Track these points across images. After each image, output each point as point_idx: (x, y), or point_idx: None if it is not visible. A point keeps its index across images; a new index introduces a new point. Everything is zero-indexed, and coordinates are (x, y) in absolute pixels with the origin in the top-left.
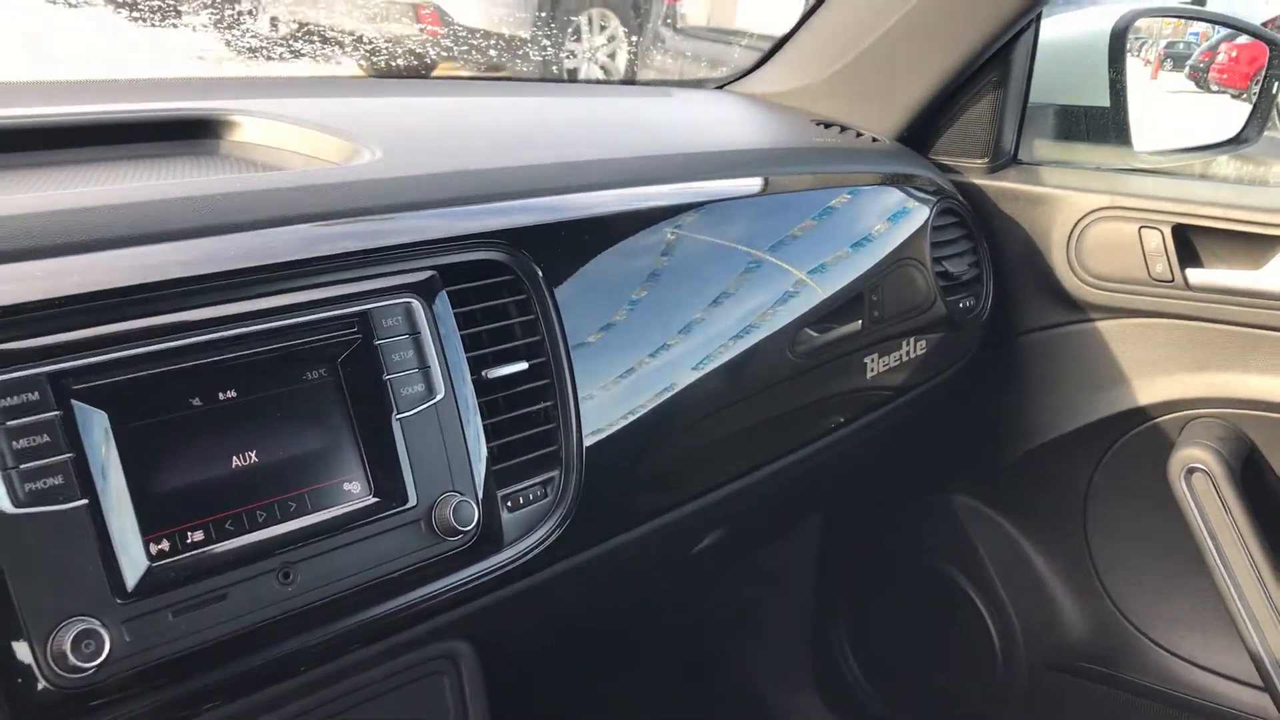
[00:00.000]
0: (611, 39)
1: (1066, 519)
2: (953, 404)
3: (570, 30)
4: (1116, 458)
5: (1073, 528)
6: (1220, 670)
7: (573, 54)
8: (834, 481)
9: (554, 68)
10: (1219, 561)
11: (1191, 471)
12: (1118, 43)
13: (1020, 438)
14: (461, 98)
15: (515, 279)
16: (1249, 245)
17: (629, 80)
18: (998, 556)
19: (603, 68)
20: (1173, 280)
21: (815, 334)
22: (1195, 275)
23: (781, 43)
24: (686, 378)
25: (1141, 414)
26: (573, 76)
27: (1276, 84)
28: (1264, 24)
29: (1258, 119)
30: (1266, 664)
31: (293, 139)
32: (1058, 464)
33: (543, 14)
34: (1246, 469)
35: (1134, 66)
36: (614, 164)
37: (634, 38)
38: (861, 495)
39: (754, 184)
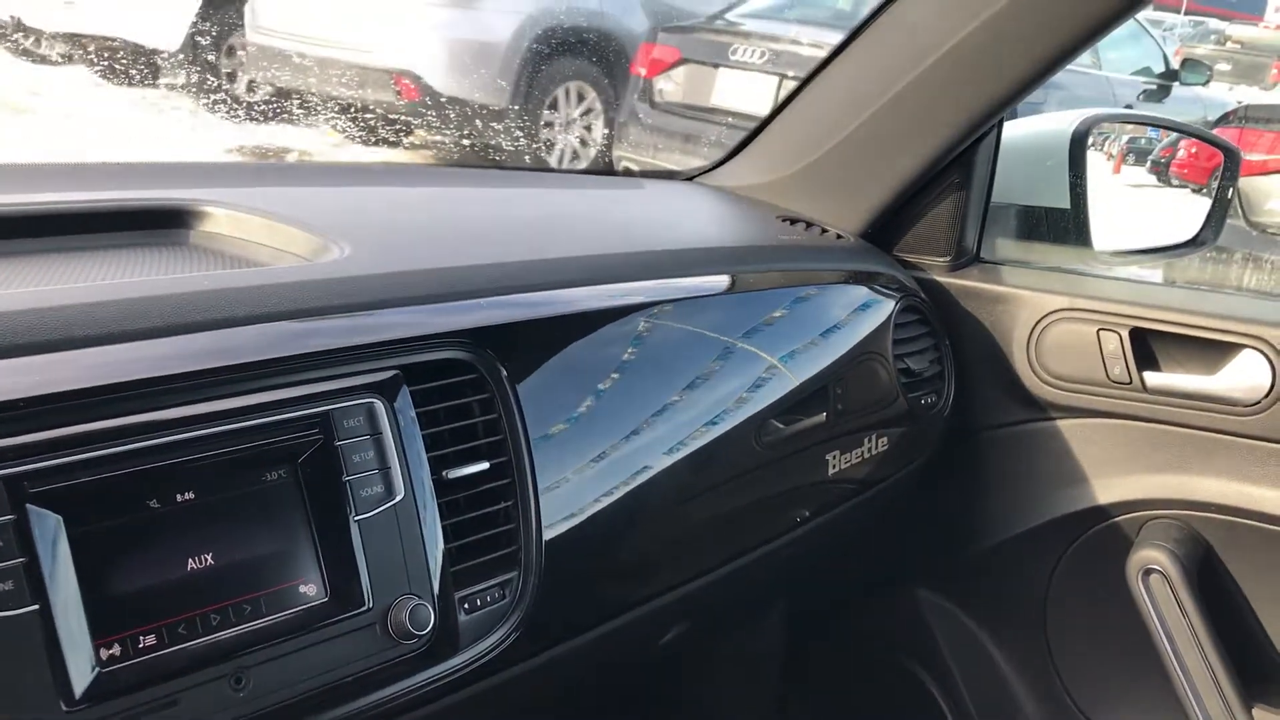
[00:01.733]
0: (588, 112)
1: (1028, 616)
2: (915, 498)
3: (547, 103)
4: (1076, 556)
5: (1034, 625)
6: None
7: (550, 125)
8: (798, 574)
9: (530, 141)
10: (1175, 663)
11: (1148, 573)
12: (1078, 146)
13: (981, 534)
14: (432, 188)
15: (479, 377)
16: (1204, 350)
17: (602, 170)
18: (960, 652)
19: (580, 139)
20: (1130, 382)
21: (780, 427)
22: (1152, 378)
23: (752, 136)
24: (650, 474)
25: (1100, 513)
26: (549, 149)
27: (1230, 189)
28: (1224, 115)
29: (1214, 222)
30: None
31: (262, 232)
32: (1018, 561)
33: (520, 86)
34: (1203, 571)
35: (1097, 161)
36: (581, 261)
37: (610, 112)
38: (825, 588)
39: (720, 281)
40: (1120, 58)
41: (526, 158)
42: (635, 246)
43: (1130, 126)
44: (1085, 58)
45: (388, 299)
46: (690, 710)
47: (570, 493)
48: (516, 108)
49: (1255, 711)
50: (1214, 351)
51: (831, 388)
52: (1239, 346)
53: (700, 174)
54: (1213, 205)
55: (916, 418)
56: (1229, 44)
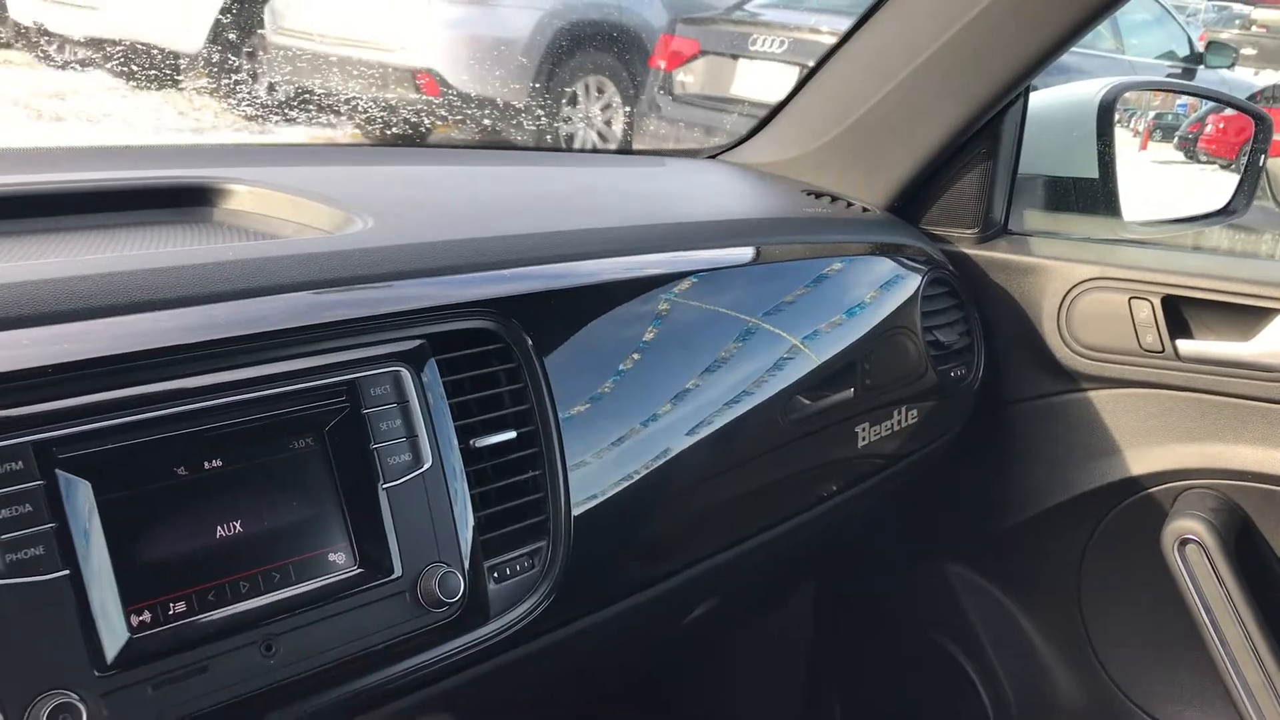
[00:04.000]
0: (608, 106)
1: (1060, 589)
2: (945, 472)
3: (567, 98)
4: (1109, 528)
5: (1066, 598)
6: None
7: (569, 120)
8: (827, 549)
9: (550, 135)
10: (1214, 634)
11: (1185, 543)
12: (1105, 115)
13: (1013, 507)
14: (455, 166)
15: (505, 347)
16: (1238, 316)
17: (623, 149)
18: (991, 627)
19: (599, 134)
20: (1163, 351)
21: (808, 402)
22: (1185, 346)
23: (774, 113)
24: (677, 446)
25: (1134, 484)
26: (569, 143)
27: (1262, 157)
28: (1251, 96)
29: (1245, 191)
30: None
31: (285, 208)
32: (1051, 534)
33: (540, 82)
34: (1240, 540)
35: (1123, 138)
36: (605, 233)
37: (630, 106)
38: (854, 563)
39: (746, 253)
40: (1143, 43)
41: (548, 138)
42: (659, 219)
43: (1158, 101)
44: (1109, 42)
45: (412, 269)
46: (721, 687)
47: (598, 463)
48: (537, 101)
49: None
50: (1248, 317)
51: (860, 361)
52: (1274, 312)
53: (722, 151)
54: (1244, 174)
55: (946, 390)
56: (1254, 28)
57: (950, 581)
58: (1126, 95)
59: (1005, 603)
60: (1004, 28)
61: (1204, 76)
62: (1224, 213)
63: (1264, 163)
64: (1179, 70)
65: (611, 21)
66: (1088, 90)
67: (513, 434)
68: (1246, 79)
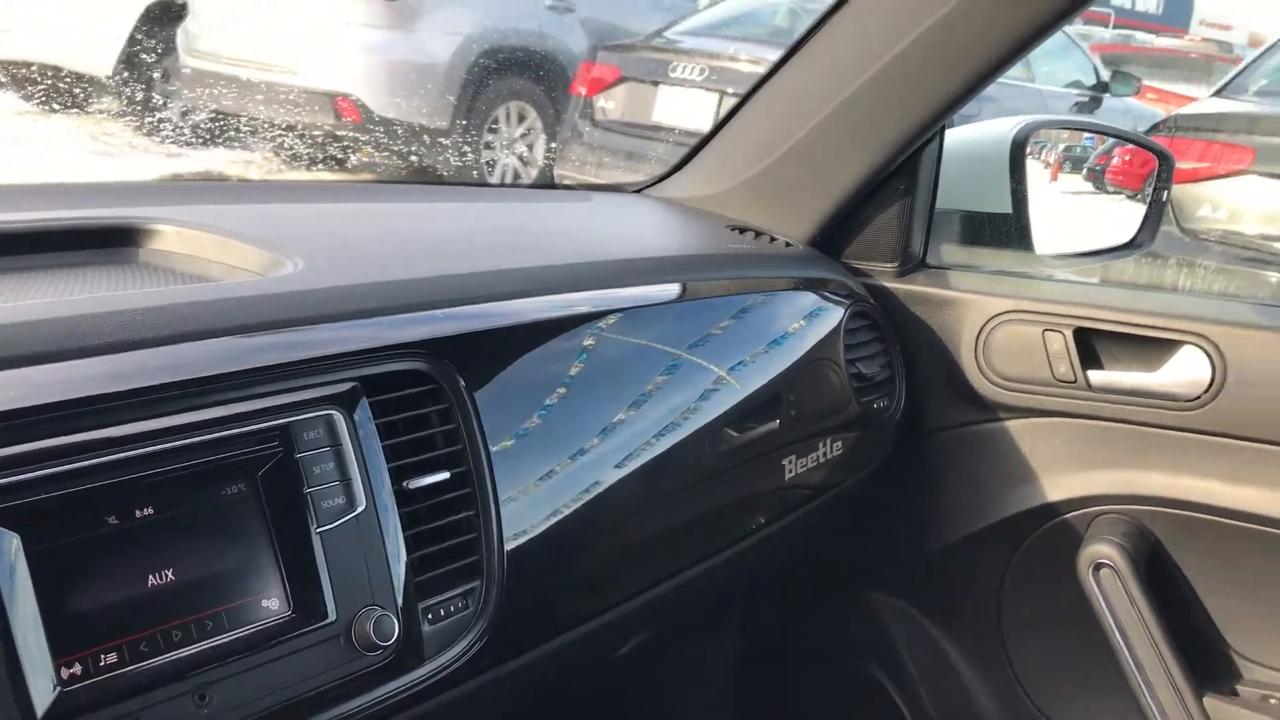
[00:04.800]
0: (530, 132)
1: (982, 614)
2: (869, 502)
3: (489, 123)
4: (1028, 554)
5: (988, 623)
6: None
7: (491, 145)
8: (756, 580)
9: (473, 163)
10: (1128, 656)
11: (1099, 567)
12: (1017, 152)
13: (935, 535)
14: (384, 204)
15: (437, 388)
16: (1146, 347)
17: (549, 184)
18: (916, 653)
19: (521, 159)
20: (1075, 381)
21: (735, 434)
22: (1096, 376)
23: (699, 147)
24: (608, 481)
25: (1050, 510)
26: (492, 168)
27: (1165, 192)
28: (1153, 126)
29: (1150, 225)
30: None
31: (213, 249)
32: (972, 560)
33: (461, 107)
34: (1152, 564)
35: (1035, 169)
36: (534, 272)
37: (552, 132)
38: (783, 593)
39: (672, 290)
40: (1052, 71)
41: (474, 173)
42: (586, 257)
43: (1067, 134)
44: (1019, 71)
45: (343, 312)
46: (651, 719)
47: (531, 501)
48: (459, 127)
49: (1206, 701)
50: (1156, 348)
51: (784, 394)
52: (1179, 343)
53: (647, 186)
54: (1148, 209)
55: (869, 421)
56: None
57: (877, 609)
58: (1039, 132)
59: (929, 628)
60: (920, 70)
61: (1110, 103)
62: (1131, 246)
63: (1167, 198)
64: (1086, 98)
65: (532, 48)
66: (1001, 128)
67: (446, 475)
68: (1150, 106)
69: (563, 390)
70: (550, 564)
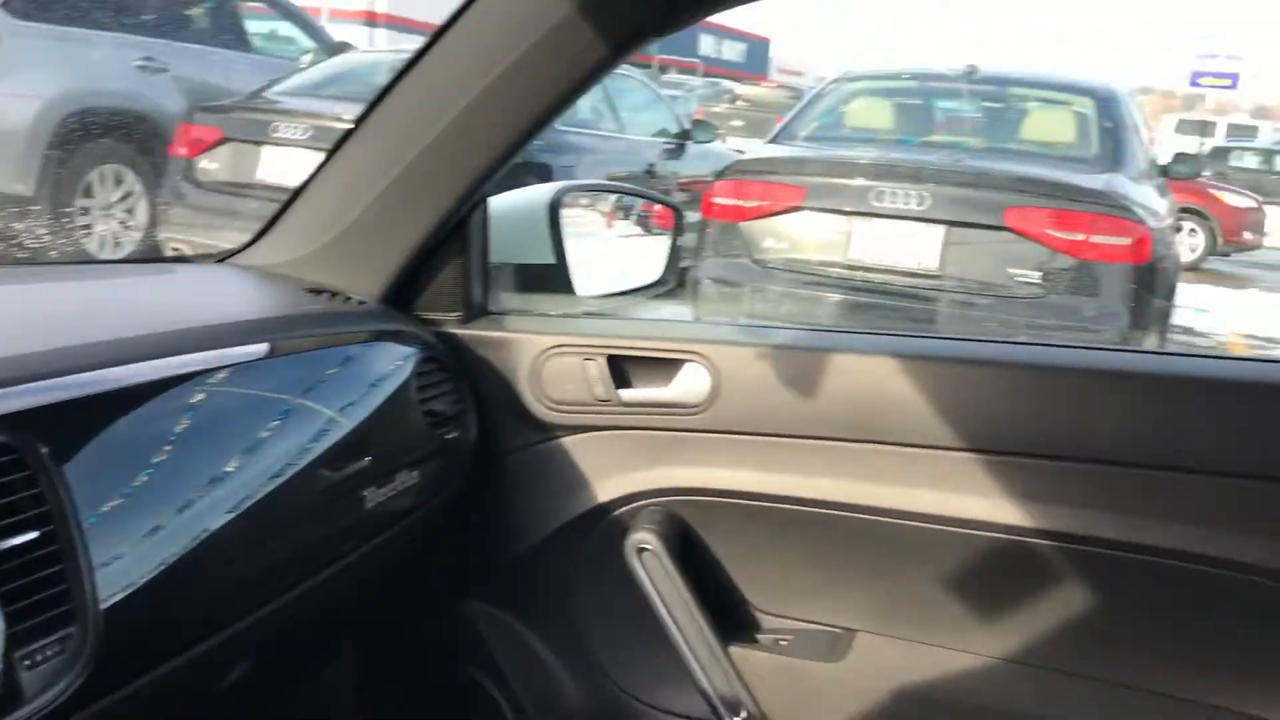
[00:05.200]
0: (128, 195)
1: (562, 610)
2: (457, 520)
3: (82, 188)
4: (590, 550)
5: (568, 616)
6: (697, 715)
7: (86, 211)
8: (357, 607)
9: (65, 230)
10: (672, 623)
11: (641, 551)
12: (555, 212)
13: (514, 544)
14: None
15: (19, 459)
16: (662, 366)
17: (144, 255)
18: (512, 655)
19: (122, 223)
20: (610, 399)
21: (321, 474)
22: (626, 394)
23: (278, 214)
24: (202, 526)
25: (603, 510)
26: (87, 234)
27: (678, 239)
28: (723, 170)
29: (671, 266)
30: (714, 700)
31: None
32: (547, 562)
33: (47, 172)
34: (683, 543)
35: (592, 219)
36: (116, 343)
37: (152, 194)
38: (385, 614)
39: (254, 349)
40: (641, 122)
41: (65, 246)
42: (168, 326)
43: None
44: (613, 125)
45: None
46: None
47: (122, 548)
48: (45, 195)
49: (733, 650)
50: (669, 367)
51: (365, 434)
52: (684, 361)
53: (230, 256)
54: (669, 253)
55: (445, 451)
56: (738, 102)
57: (474, 617)
58: (572, 194)
59: (520, 630)
60: (464, 139)
61: (697, 148)
62: (658, 284)
63: (679, 242)
64: (673, 145)
65: (124, 109)
66: (541, 192)
67: (35, 534)
68: (730, 150)
69: (148, 450)
70: (146, 604)
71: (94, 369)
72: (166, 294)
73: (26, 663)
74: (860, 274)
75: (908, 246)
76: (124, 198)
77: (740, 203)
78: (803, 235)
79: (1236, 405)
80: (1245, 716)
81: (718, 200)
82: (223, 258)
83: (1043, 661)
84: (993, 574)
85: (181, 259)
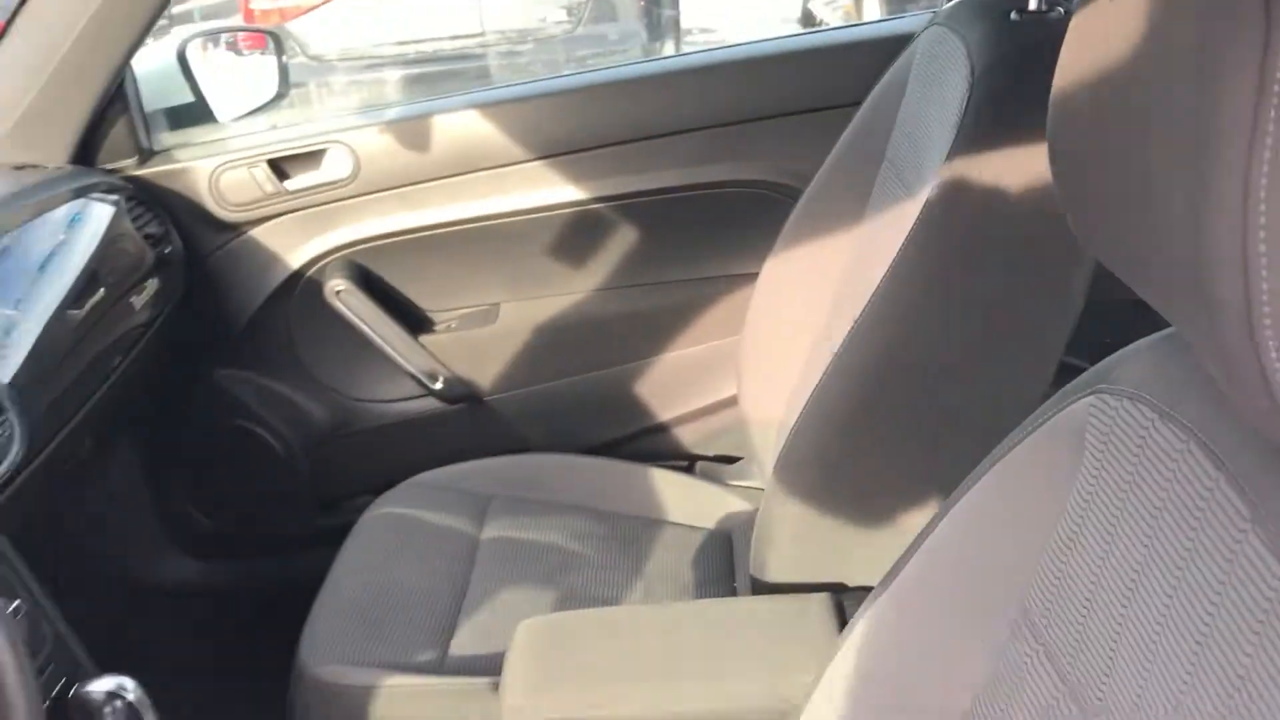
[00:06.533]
0: None
1: (289, 355)
2: (187, 317)
3: None
4: (297, 306)
5: (295, 358)
6: (410, 394)
7: None
8: (145, 395)
9: None
10: (376, 335)
11: (338, 292)
12: (184, 60)
13: (239, 316)
14: None
15: None
16: (310, 158)
17: None
18: (260, 398)
19: None
20: (278, 193)
21: (73, 312)
22: (289, 184)
23: None
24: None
25: (299, 274)
26: None
27: (283, 57)
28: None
29: (283, 80)
30: (419, 376)
31: None
32: (267, 324)
33: None
34: (365, 280)
35: (221, 57)
36: None
37: None
38: (164, 402)
39: None
40: None
41: None
42: None
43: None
44: None
45: None
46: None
47: None
48: None
49: (420, 339)
50: (316, 157)
51: (98, 269)
52: (326, 148)
53: None
54: (279, 69)
55: (162, 265)
56: None
57: (226, 381)
58: (194, 43)
59: (261, 380)
60: (112, 17)
61: None
62: (276, 98)
63: (286, 60)
64: None
65: None
66: (169, 45)
67: None
68: None
69: None
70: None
71: None
72: None
73: None
74: (412, 48)
75: (448, 16)
76: None
77: (279, 5)
78: (346, 23)
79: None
80: (728, 276)
81: (255, 6)
82: None
83: (618, 283)
84: (577, 237)
85: None
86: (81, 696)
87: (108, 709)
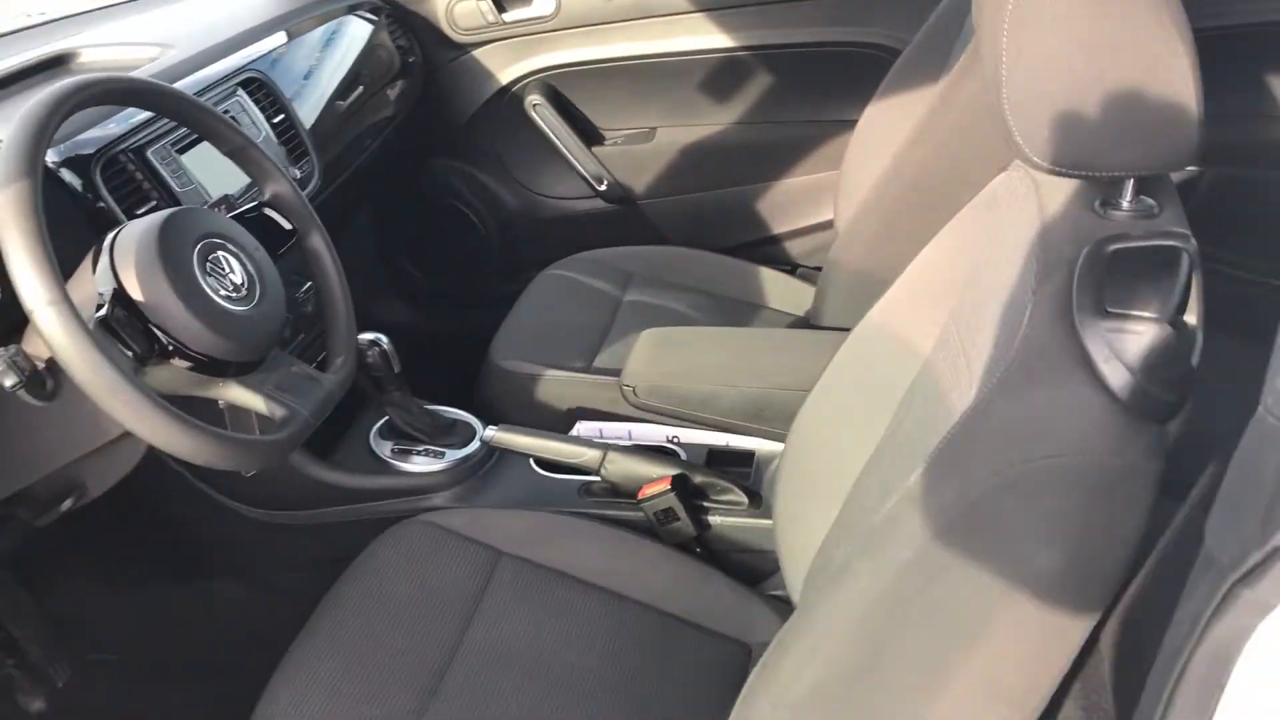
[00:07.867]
0: None
1: (496, 157)
2: (420, 117)
3: None
4: (503, 115)
5: (500, 159)
6: (580, 194)
7: None
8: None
9: None
10: (558, 141)
11: (535, 106)
12: None
13: (459, 115)
14: None
15: None
16: None
17: None
18: (467, 184)
19: None
20: (496, 21)
21: (339, 104)
22: (506, 15)
23: None
24: None
25: (507, 89)
26: None
27: None
28: None
29: None
30: (587, 177)
31: (128, 55)
32: (480, 127)
33: None
34: (556, 99)
35: None
36: (242, 34)
37: None
38: (397, 175)
39: (281, 36)
40: None
41: None
42: (249, 24)
43: None
44: None
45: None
46: None
47: None
48: None
49: (593, 150)
50: None
51: (361, 69)
52: None
53: None
54: None
55: (408, 70)
56: None
57: (441, 169)
58: None
59: (470, 170)
60: None
61: None
62: None
63: None
64: None
65: None
66: None
67: None
68: None
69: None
70: None
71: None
72: (224, 9)
73: None
74: None
75: None
76: None
77: None
78: None
79: None
80: (837, 121)
81: None
82: None
83: (751, 119)
84: (722, 79)
85: None
86: None
87: (369, 352)
